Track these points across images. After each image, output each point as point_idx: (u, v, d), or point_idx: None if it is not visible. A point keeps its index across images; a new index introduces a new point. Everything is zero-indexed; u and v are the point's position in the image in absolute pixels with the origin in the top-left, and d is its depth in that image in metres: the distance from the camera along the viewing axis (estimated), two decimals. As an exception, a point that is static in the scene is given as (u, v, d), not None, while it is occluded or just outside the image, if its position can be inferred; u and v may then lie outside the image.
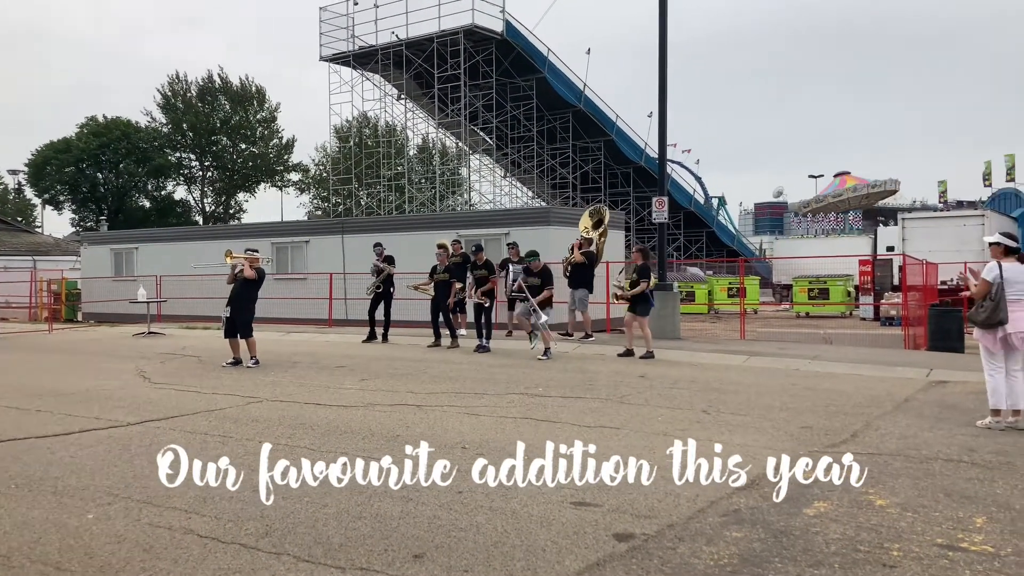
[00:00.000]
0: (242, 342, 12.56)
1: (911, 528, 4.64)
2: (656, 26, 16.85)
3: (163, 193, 56.62)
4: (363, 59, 36.77)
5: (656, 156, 18.65)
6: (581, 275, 15.64)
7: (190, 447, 6.83)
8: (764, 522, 4.75)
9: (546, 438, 7.05)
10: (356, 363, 12.77)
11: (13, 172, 57.02)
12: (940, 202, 57.52)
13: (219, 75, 54.46)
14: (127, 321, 22.99)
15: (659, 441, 6.92)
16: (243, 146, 56.17)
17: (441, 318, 15.28)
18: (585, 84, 37.54)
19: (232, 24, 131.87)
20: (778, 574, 3.99)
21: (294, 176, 58.16)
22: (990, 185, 52.10)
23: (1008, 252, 7.59)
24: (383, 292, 16.00)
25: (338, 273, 20.99)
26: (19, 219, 55.14)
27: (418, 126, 41.68)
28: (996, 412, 7.47)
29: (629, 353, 13.29)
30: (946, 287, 23.01)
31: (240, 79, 55.11)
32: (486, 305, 14.60)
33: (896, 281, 24.42)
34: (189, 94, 54.24)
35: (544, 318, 13.10)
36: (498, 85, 34.97)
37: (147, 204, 55.87)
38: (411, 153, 42.95)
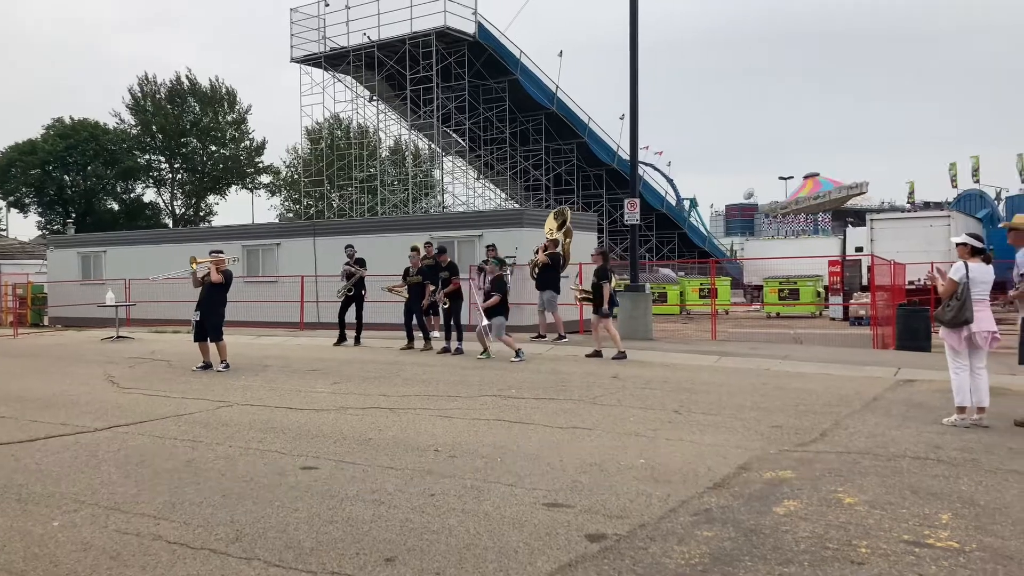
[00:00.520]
0: (212, 346, 12.44)
1: (879, 525, 4.70)
2: (627, 28, 16.94)
3: (132, 196, 55.86)
4: (334, 60, 36.56)
5: (628, 158, 18.72)
6: (547, 277, 15.72)
7: (159, 452, 6.77)
8: (734, 521, 4.79)
9: (519, 440, 7.07)
10: (328, 366, 12.69)
11: (-25, 175, 56.00)
12: (908, 203, 58.30)
13: (187, 76, 53.92)
14: (95, 325, 22.67)
15: (631, 442, 6.95)
16: (213, 148, 55.58)
17: (415, 320, 15.25)
18: (557, 86, 37.61)
19: (203, 25, 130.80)
20: (748, 572, 4.02)
21: (265, 178, 57.70)
22: (956, 187, 52.90)
23: (974, 252, 7.72)
24: (354, 295, 15.94)
25: (310, 276, 20.85)
26: (-17, 223, 54.23)
27: (390, 128, 41.51)
28: (961, 410, 7.59)
29: (598, 354, 13.36)
30: (914, 287, 23.36)
31: (210, 80, 54.60)
32: (445, 306, 14.63)
33: (865, 281, 24.74)
34: (158, 96, 53.61)
35: (485, 322, 13.38)
36: (471, 87, 34.92)
37: (116, 207, 55.09)
38: (383, 155, 42.76)
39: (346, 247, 16.63)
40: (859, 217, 45.84)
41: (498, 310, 13.43)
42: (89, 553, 4.41)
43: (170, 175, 56.16)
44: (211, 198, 57.70)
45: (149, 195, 57.11)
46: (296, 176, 50.60)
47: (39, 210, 53.87)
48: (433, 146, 39.24)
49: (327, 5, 35.73)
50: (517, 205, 40.34)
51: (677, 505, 5.13)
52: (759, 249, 36.94)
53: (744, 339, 18.06)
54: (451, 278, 14.50)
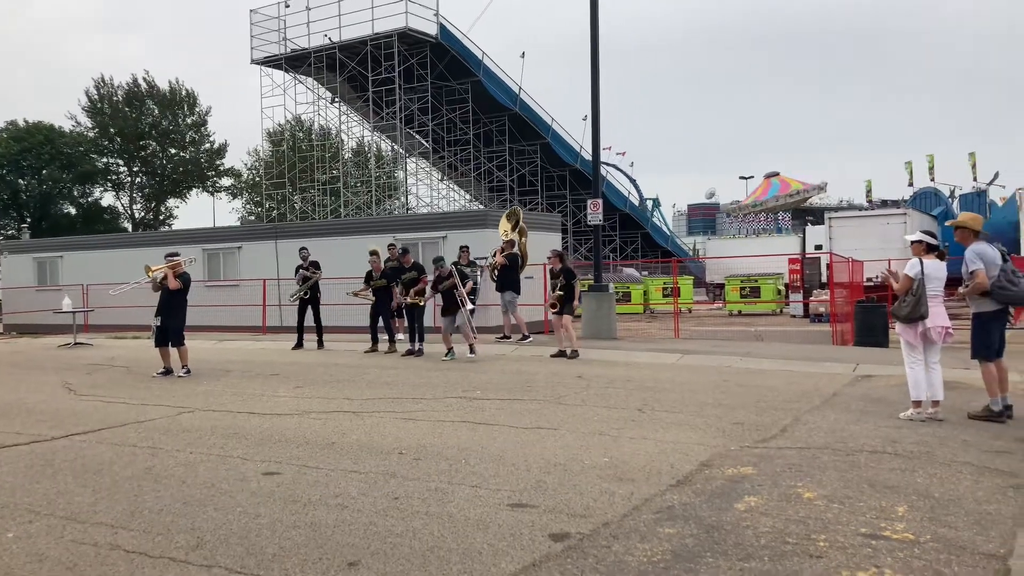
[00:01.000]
0: (173, 351, 12.26)
1: (837, 519, 4.77)
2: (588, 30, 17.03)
3: (90, 200, 54.84)
4: (295, 62, 36.27)
5: (591, 159, 18.82)
6: (507, 278, 15.80)
7: (118, 460, 6.66)
8: (696, 518, 4.84)
9: (483, 441, 7.07)
10: (291, 370, 12.59)
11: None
12: (867, 201, 59.20)
13: (145, 79, 53.06)
14: (52, 332, 22.23)
15: (595, 441, 6.98)
16: (173, 151, 54.77)
17: (380, 322, 15.18)
18: (520, 88, 37.70)
19: (162, 27, 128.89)
20: (710, 569, 4.06)
21: (226, 181, 56.96)
22: (912, 185, 53.86)
23: (929, 249, 7.88)
24: (310, 298, 15.83)
25: (272, 279, 20.66)
26: (-66, 228, 52.84)
27: (353, 129, 41.29)
28: (917, 404, 7.74)
29: (562, 354, 13.42)
30: (872, 284, 23.75)
31: (170, 83, 53.78)
32: (421, 303, 14.56)
33: (824, 279, 25.10)
34: (116, 98, 52.70)
35: (470, 307, 13.67)
36: (433, 88, 34.86)
37: (73, 211, 54.06)
38: (346, 157, 42.45)
39: (300, 249, 16.55)
40: (818, 216, 46.50)
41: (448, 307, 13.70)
42: (44, 564, 4.33)
43: (129, 178, 55.21)
44: (171, 201, 56.83)
45: (107, 199, 56.11)
46: (258, 179, 50.06)
47: (-8, 215, 52.69)
48: (396, 148, 39.08)
49: (287, 6, 35.45)
50: (481, 206, 40.32)
51: (640, 503, 5.17)
52: (720, 248, 37.31)
53: (706, 337, 18.24)
54: (420, 277, 14.46)
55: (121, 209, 55.82)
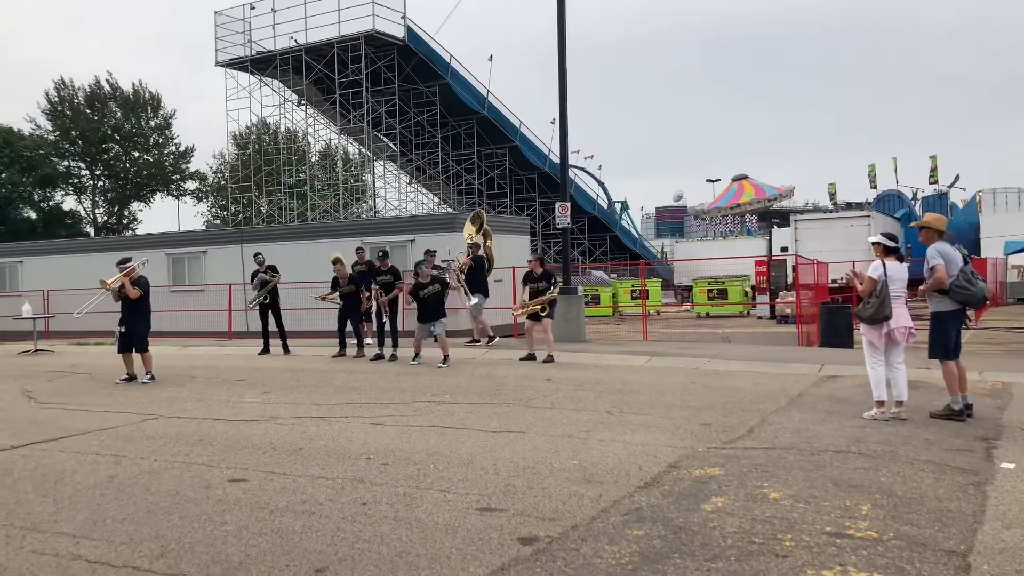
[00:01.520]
0: (137, 357, 12.07)
1: (802, 518, 4.83)
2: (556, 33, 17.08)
3: (51, 204, 53.86)
4: (261, 64, 35.96)
5: (559, 162, 18.88)
6: (474, 281, 15.76)
7: (80, 469, 6.55)
8: (664, 519, 4.86)
9: (452, 445, 7.05)
10: (257, 376, 12.46)
11: None
12: (831, 204, 59.99)
13: (107, 81, 52.28)
14: (11, 339, 21.77)
15: (564, 443, 7.00)
16: (137, 154, 54.02)
17: (349, 326, 15.05)
18: (488, 91, 37.71)
19: (123, 28, 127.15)
20: (677, 569, 4.08)
21: (191, 184, 56.30)
22: (876, 187, 54.70)
23: (888, 251, 8.01)
24: (270, 303, 15.67)
25: (238, 284, 20.43)
26: None
27: (320, 132, 41.05)
28: (880, 403, 7.85)
29: (531, 357, 13.43)
30: (837, 285, 24.07)
31: (133, 84, 53.02)
32: (386, 310, 14.47)
33: (790, 281, 25.40)
34: (77, 100, 51.86)
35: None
36: (401, 91, 34.77)
37: (33, 215, 53.08)
38: (313, 160, 42.18)
39: (255, 255, 16.39)
40: (784, 218, 47.07)
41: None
42: (3, 575, 4.25)
43: (91, 182, 54.33)
44: (135, 205, 56.02)
45: (69, 203, 55.12)
46: (223, 182, 49.54)
47: (-52, 220, 51.56)
48: (363, 151, 38.89)
49: (253, 8, 35.15)
50: (450, 209, 40.26)
51: (608, 505, 5.18)
52: (688, 250, 37.63)
53: (675, 339, 18.36)
54: (395, 283, 14.37)
55: (83, 213, 54.94)
